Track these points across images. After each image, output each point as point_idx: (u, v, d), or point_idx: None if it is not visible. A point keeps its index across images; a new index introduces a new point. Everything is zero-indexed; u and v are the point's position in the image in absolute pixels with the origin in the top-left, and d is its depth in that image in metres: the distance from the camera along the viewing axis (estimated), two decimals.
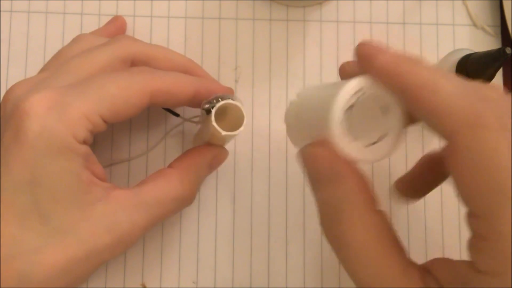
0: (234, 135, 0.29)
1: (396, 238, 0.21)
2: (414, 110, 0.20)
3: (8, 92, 0.29)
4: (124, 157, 0.36)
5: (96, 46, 0.30)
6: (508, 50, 0.27)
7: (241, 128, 0.28)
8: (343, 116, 0.20)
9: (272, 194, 0.36)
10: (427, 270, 0.21)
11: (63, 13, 0.37)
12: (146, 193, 0.29)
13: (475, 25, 0.39)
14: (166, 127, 0.36)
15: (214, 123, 0.28)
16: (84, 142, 0.27)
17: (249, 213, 0.36)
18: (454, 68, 0.30)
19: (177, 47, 0.37)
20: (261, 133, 0.36)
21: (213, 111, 0.28)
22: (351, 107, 0.21)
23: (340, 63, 0.37)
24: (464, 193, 0.19)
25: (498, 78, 0.38)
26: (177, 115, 0.34)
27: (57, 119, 0.26)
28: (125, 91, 0.28)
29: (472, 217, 0.19)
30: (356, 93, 0.21)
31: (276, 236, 0.35)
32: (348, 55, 0.38)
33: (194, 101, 0.30)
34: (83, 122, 0.26)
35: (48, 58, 0.33)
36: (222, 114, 0.29)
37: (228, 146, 0.34)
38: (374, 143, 0.21)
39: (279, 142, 0.36)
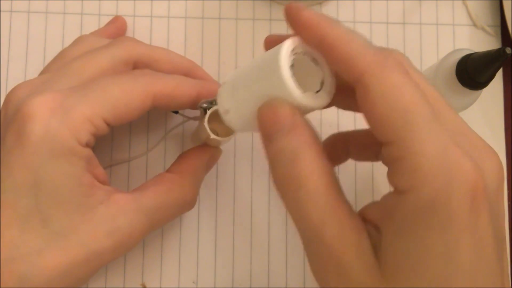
0: (225, 141, 0.29)
1: (338, 189, 0.23)
2: (330, 60, 0.23)
3: (10, 93, 0.29)
4: (124, 158, 0.36)
5: (98, 48, 0.30)
6: (508, 50, 0.27)
7: (232, 136, 0.29)
8: (290, 73, 0.23)
9: (272, 194, 0.36)
10: (364, 219, 0.23)
11: (63, 13, 0.37)
12: (147, 198, 0.29)
13: (475, 25, 0.39)
14: (166, 127, 0.36)
15: (206, 125, 0.28)
16: (87, 145, 0.27)
17: (249, 213, 0.36)
18: (454, 68, 0.30)
19: (177, 47, 0.37)
20: None
21: (208, 112, 0.28)
22: (291, 66, 0.23)
23: None
24: (378, 126, 0.21)
25: (498, 78, 0.38)
26: (176, 112, 0.34)
27: (61, 122, 0.26)
28: (128, 94, 0.28)
29: (388, 146, 0.21)
30: (292, 51, 0.23)
31: (276, 236, 0.35)
32: None
33: (196, 104, 0.30)
34: (87, 126, 0.26)
35: (48, 58, 0.33)
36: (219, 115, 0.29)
37: (228, 146, 0.34)
38: (317, 91, 0.24)
39: None
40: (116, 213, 0.27)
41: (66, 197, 0.26)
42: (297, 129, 0.23)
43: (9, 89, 0.36)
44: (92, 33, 0.35)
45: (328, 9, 0.38)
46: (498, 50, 0.27)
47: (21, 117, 0.26)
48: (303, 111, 0.23)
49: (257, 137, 0.36)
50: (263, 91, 0.24)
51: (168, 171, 0.31)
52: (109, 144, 0.36)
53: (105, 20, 0.37)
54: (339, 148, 0.31)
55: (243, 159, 0.36)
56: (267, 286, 0.34)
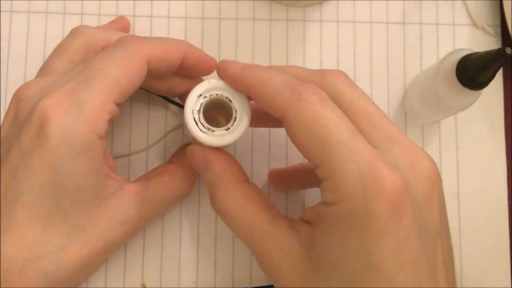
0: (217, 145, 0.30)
1: (266, 201, 0.27)
2: (258, 103, 0.26)
3: (19, 92, 0.28)
4: (124, 152, 0.36)
5: (109, 50, 0.29)
6: (508, 50, 0.27)
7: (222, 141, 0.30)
8: (197, 116, 0.28)
9: (272, 194, 0.36)
10: (303, 219, 0.26)
11: (63, 13, 0.37)
12: (154, 189, 0.30)
13: (475, 25, 0.39)
14: (166, 121, 0.36)
15: (189, 123, 0.29)
16: (104, 135, 0.28)
17: None
18: (454, 68, 0.30)
19: None
20: (261, 133, 0.36)
21: (198, 115, 0.29)
22: (199, 110, 0.28)
23: (340, 62, 0.38)
24: (305, 154, 0.25)
25: (498, 78, 0.38)
26: (179, 105, 0.34)
27: (77, 119, 0.26)
28: (126, 68, 0.28)
29: (316, 169, 0.24)
30: (199, 96, 0.28)
31: None
32: (348, 55, 0.38)
33: (183, 68, 0.31)
34: (102, 115, 0.27)
35: None
36: (218, 107, 0.29)
37: (228, 146, 0.34)
38: (227, 129, 0.28)
39: (279, 142, 0.36)
40: (128, 203, 0.29)
41: (86, 192, 0.27)
42: (210, 164, 0.28)
43: (9, 89, 0.36)
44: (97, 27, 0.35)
45: (328, 9, 0.38)
46: (498, 50, 0.27)
47: (37, 120, 0.26)
48: (217, 146, 0.28)
49: (257, 137, 0.36)
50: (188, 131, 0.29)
51: (170, 162, 0.33)
52: (110, 138, 0.36)
53: (105, 20, 0.37)
54: (281, 180, 0.36)
55: (243, 159, 0.36)
56: (267, 285, 0.34)
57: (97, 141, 0.27)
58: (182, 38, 0.37)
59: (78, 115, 0.26)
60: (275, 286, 0.26)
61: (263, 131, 0.36)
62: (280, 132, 0.36)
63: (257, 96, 0.26)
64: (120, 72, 0.27)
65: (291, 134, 0.25)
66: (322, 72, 0.27)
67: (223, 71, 0.28)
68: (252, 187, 0.27)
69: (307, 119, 0.24)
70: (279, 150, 0.36)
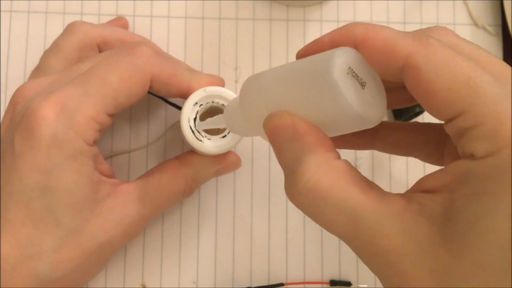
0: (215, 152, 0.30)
1: (365, 178, 0.21)
2: (369, 51, 0.21)
3: (16, 94, 0.29)
4: (124, 149, 0.36)
5: (115, 52, 0.29)
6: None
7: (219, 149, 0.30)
8: (194, 124, 0.29)
9: (272, 194, 0.36)
10: (420, 190, 0.21)
11: (63, 13, 0.37)
12: (151, 186, 0.30)
13: (475, 24, 0.39)
14: (167, 118, 0.36)
15: (185, 131, 0.29)
16: (94, 143, 0.28)
17: (249, 213, 0.36)
18: None
19: (177, 47, 0.37)
20: None
21: (195, 124, 0.29)
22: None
23: None
24: (440, 103, 0.20)
25: None
26: (178, 107, 0.34)
27: (66, 126, 0.26)
28: (127, 82, 0.28)
29: (456, 119, 0.20)
30: (196, 104, 0.28)
31: (276, 236, 0.35)
32: None
33: (186, 96, 0.30)
34: (92, 125, 0.27)
35: None
36: (218, 112, 0.29)
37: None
38: (224, 136, 0.28)
39: None
40: (123, 203, 0.29)
41: (78, 197, 0.27)
42: (299, 136, 0.22)
43: (9, 89, 0.36)
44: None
45: (328, 9, 0.38)
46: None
47: (29, 122, 0.26)
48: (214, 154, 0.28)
49: (257, 137, 0.36)
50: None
51: (176, 157, 0.32)
52: (110, 135, 0.36)
53: (104, 20, 0.37)
54: (362, 138, 0.28)
55: (244, 160, 0.36)
56: (267, 284, 0.34)
57: (86, 148, 0.27)
58: (182, 38, 0.37)
59: (67, 121, 0.26)
60: (395, 281, 0.20)
61: None
62: None
63: (371, 42, 0.21)
64: (121, 86, 0.27)
65: (419, 82, 0.20)
66: (426, 30, 0.23)
67: (309, 50, 0.24)
68: (348, 163, 0.22)
69: (444, 61, 0.20)
70: None
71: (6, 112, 0.29)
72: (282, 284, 0.34)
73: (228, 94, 0.29)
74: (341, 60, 0.20)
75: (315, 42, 0.24)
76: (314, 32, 0.38)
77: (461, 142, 0.20)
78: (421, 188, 0.21)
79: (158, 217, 0.35)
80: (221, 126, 0.28)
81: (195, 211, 0.35)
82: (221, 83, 0.32)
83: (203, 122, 0.29)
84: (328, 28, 0.38)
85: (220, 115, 0.28)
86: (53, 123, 0.26)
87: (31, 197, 0.26)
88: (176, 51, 0.37)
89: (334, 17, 0.38)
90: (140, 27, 0.37)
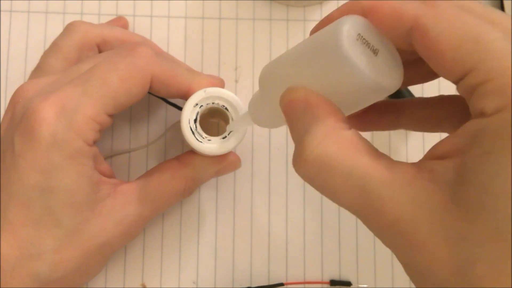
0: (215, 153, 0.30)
1: (374, 148, 0.21)
2: (376, 18, 0.21)
3: (16, 94, 0.29)
4: (124, 148, 0.36)
5: (114, 53, 0.29)
6: None
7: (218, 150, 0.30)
8: (194, 125, 0.29)
9: (272, 194, 0.36)
10: (431, 157, 0.20)
11: (63, 13, 0.37)
12: (151, 186, 0.30)
13: None
14: (167, 117, 0.36)
15: (186, 132, 0.29)
16: (94, 143, 0.28)
17: (249, 213, 0.35)
18: None
19: (177, 47, 0.37)
20: (261, 133, 0.36)
21: (195, 124, 0.29)
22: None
23: None
24: (449, 62, 0.19)
25: None
26: (178, 107, 0.34)
27: (67, 126, 0.26)
28: (127, 82, 0.28)
29: (467, 76, 0.19)
30: (197, 105, 0.29)
31: (276, 236, 0.35)
32: None
33: (186, 96, 0.30)
34: (91, 126, 0.27)
35: None
36: (218, 112, 0.29)
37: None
38: (224, 137, 0.28)
39: (279, 142, 0.36)
40: (122, 203, 0.29)
41: (78, 197, 0.27)
42: (310, 107, 0.21)
43: (9, 89, 0.36)
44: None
45: (328, 9, 0.38)
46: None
47: (29, 122, 0.26)
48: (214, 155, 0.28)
49: (257, 137, 0.36)
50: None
51: (175, 158, 0.32)
52: (110, 135, 0.36)
53: (104, 20, 0.37)
54: (386, 117, 0.27)
55: (244, 159, 0.36)
56: (267, 284, 0.34)
57: (86, 148, 0.27)
58: (182, 38, 0.37)
59: (67, 121, 0.26)
60: (409, 251, 0.19)
61: (263, 131, 0.36)
62: (280, 132, 0.36)
63: (378, 9, 0.21)
64: (120, 86, 0.27)
65: (428, 42, 0.20)
66: None
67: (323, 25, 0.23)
68: (357, 133, 0.21)
69: (452, 19, 0.19)
70: (279, 150, 0.36)
71: (6, 112, 0.29)
72: (282, 284, 0.34)
73: (228, 95, 0.29)
74: (348, 26, 0.20)
75: (326, 17, 0.23)
76: None
77: (472, 101, 0.19)
78: (433, 155, 0.20)
79: (158, 217, 0.35)
80: (249, 124, 0.28)
81: (195, 211, 0.35)
82: (221, 83, 0.32)
83: (231, 124, 0.29)
84: None
85: (245, 112, 0.27)
86: (53, 123, 0.26)
87: (31, 197, 0.26)
88: (176, 51, 0.37)
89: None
90: (140, 27, 0.37)
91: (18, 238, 0.26)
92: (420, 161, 0.20)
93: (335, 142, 0.20)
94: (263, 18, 0.38)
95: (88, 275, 0.31)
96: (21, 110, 0.28)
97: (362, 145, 0.20)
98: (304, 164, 0.21)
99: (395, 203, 0.19)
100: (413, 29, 0.20)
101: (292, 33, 0.38)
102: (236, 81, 0.37)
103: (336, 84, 0.20)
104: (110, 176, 0.30)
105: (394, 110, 0.27)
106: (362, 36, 0.20)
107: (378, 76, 0.20)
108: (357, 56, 0.19)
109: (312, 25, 0.38)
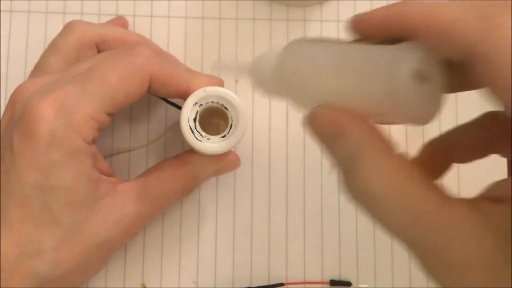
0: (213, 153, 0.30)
1: (426, 176, 0.19)
2: (426, 40, 0.19)
3: (15, 93, 0.29)
4: (124, 148, 0.36)
5: (114, 52, 0.29)
6: None
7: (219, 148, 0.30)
8: (193, 124, 0.29)
9: (272, 194, 0.36)
10: (487, 197, 0.19)
11: (63, 13, 0.37)
12: (151, 185, 0.30)
13: None
14: (167, 117, 0.36)
15: (185, 131, 0.29)
16: (93, 141, 0.28)
17: (249, 213, 0.35)
18: None
19: (177, 47, 0.37)
20: (261, 133, 0.36)
21: (194, 123, 0.29)
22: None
23: None
24: (506, 92, 0.18)
25: None
26: (178, 107, 0.34)
27: (66, 125, 0.26)
28: (126, 81, 0.28)
29: None
30: (196, 104, 0.29)
31: (276, 236, 0.35)
32: None
33: (185, 97, 0.30)
34: (90, 124, 0.27)
35: None
36: (218, 111, 0.29)
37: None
38: (223, 136, 0.28)
39: (279, 142, 0.36)
40: (121, 202, 0.29)
41: (77, 195, 0.27)
42: (345, 132, 0.20)
43: (9, 88, 0.36)
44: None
45: (328, 9, 0.38)
46: None
47: (28, 120, 0.26)
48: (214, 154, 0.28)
49: (257, 137, 0.36)
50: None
51: (175, 157, 0.32)
52: (110, 134, 0.36)
53: (105, 20, 0.37)
54: (439, 157, 0.26)
55: (244, 159, 0.36)
56: (267, 284, 0.34)
57: (85, 146, 0.27)
58: (182, 38, 0.37)
59: (66, 119, 0.26)
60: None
61: (263, 131, 0.36)
62: (281, 132, 0.36)
63: (426, 31, 0.19)
64: (120, 85, 0.27)
65: (489, 72, 0.18)
66: (487, 6, 0.20)
67: (362, 23, 0.22)
68: (404, 159, 0.20)
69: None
70: (279, 150, 0.36)
71: (5, 111, 0.29)
72: (282, 284, 0.34)
73: (228, 94, 0.29)
74: (409, 66, 0.19)
75: (368, 19, 0.22)
76: (314, 32, 0.38)
77: None
78: (490, 195, 0.19)
79: (158, 216, 0.35)
80: (244, 74, 0.26)
81: (195, 211, 0.35)
82: (220, 83, 0.32)
83: (224, 63, 0.28)
84: (328, 28, 0.38)
85: (246, 65, 0.26)
86: (51, 122, 0.26)
87: (30, 195, 0.26)
88: (176, 51, 0.37)
89: (335, 17, 0.38)
90: (140, 27, 0.37)
91: (17, 236, 0.26)
92: (475, 199, 0.19)
93: (385, 172, 0.19)
94: (263, 18, 0.38)
95: (88, 274, 0.31)
96: (20, 109, 0.28)
97: (409, 173, 0.19)
98: (355, 197, 0.20)
99: (448, 243, 0.18)
100: (470, 54, 0.18)
101: (292, 33, 0.38)
102: (236, 81, 0.37)
103: (379, 106, 0.20)
104: (110, 174, 0.30)
105: (442, 146, 0.25)
106: (419, 72, 0.19)
107: (424, 109, 0.19)
108: (411, 95, 0.19)
109: (312, 25, 0.38)
